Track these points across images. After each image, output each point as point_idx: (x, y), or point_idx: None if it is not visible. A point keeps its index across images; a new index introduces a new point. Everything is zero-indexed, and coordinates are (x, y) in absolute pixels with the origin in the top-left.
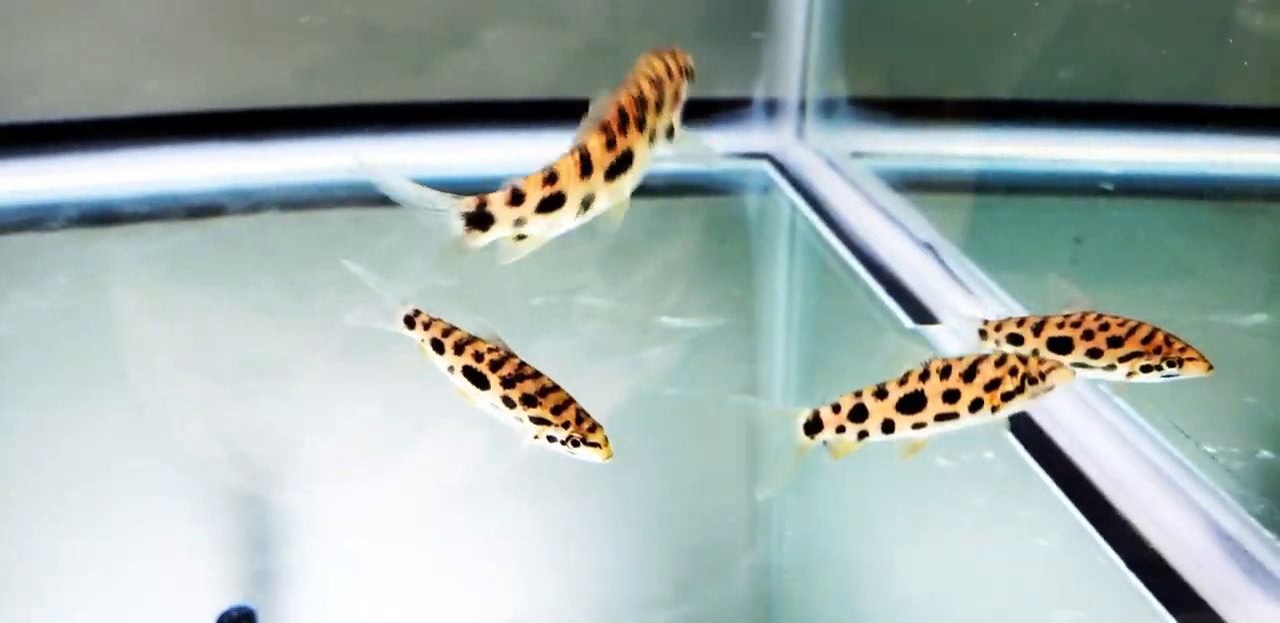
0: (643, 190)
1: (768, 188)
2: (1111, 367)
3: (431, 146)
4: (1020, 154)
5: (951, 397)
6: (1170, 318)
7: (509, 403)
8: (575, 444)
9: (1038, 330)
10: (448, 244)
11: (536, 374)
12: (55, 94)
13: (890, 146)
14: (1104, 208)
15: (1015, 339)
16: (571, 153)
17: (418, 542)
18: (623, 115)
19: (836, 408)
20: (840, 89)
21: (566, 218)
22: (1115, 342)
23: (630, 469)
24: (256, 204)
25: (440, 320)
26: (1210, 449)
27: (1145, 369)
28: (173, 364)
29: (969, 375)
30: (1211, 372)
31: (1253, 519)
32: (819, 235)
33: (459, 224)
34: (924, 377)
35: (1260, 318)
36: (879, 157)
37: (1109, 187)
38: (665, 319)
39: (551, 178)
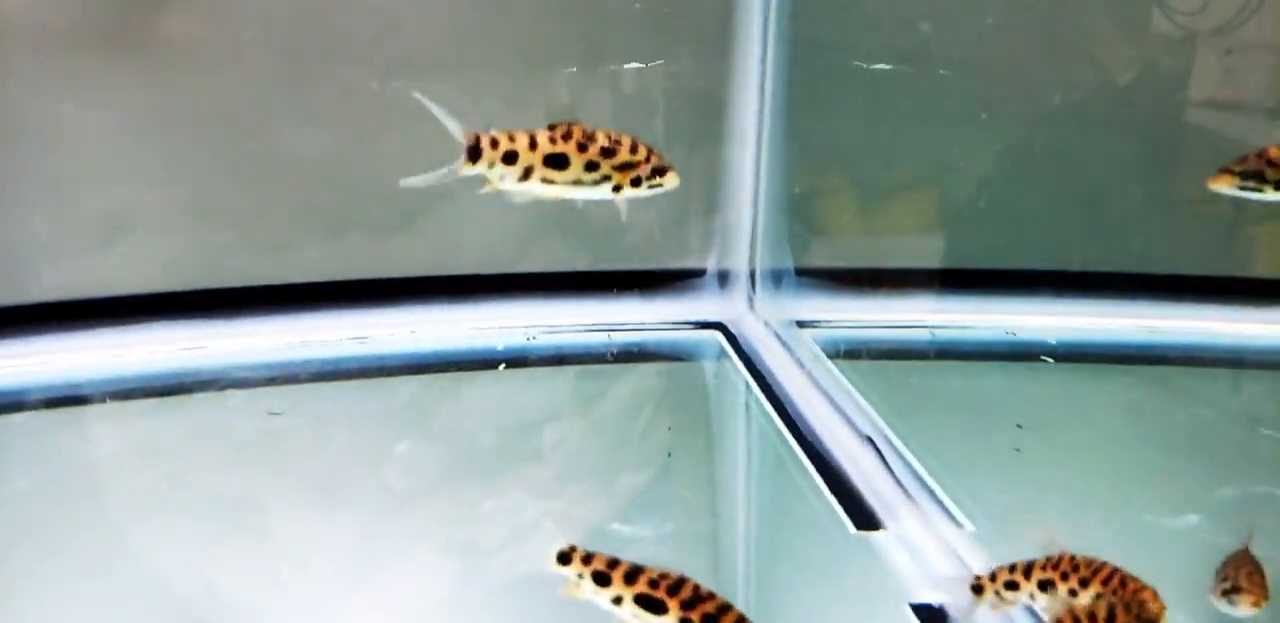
0: (593, 358)
1: (719, 356)
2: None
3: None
4: (962, 322)
5: None
6: (1107, 517)
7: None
8: None
9: (1028, 574)
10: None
11: (712, 595)
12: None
13: (833, 315)
14: (1045, 380)
15: (1011, 585)
16: (545, 129)
17: None
18: (608, 138)
19: None
20: (786, 260)
21: (528, 183)
22: (1083, 583)
23: None
24: (223, 383)
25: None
26: None
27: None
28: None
29: None
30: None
31: None
32: (767, 415)
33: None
34: None
35: (1193, 519)
36: (823, 325)
37: (1049, 359)
38: (616, 526)
39: (512, 137)
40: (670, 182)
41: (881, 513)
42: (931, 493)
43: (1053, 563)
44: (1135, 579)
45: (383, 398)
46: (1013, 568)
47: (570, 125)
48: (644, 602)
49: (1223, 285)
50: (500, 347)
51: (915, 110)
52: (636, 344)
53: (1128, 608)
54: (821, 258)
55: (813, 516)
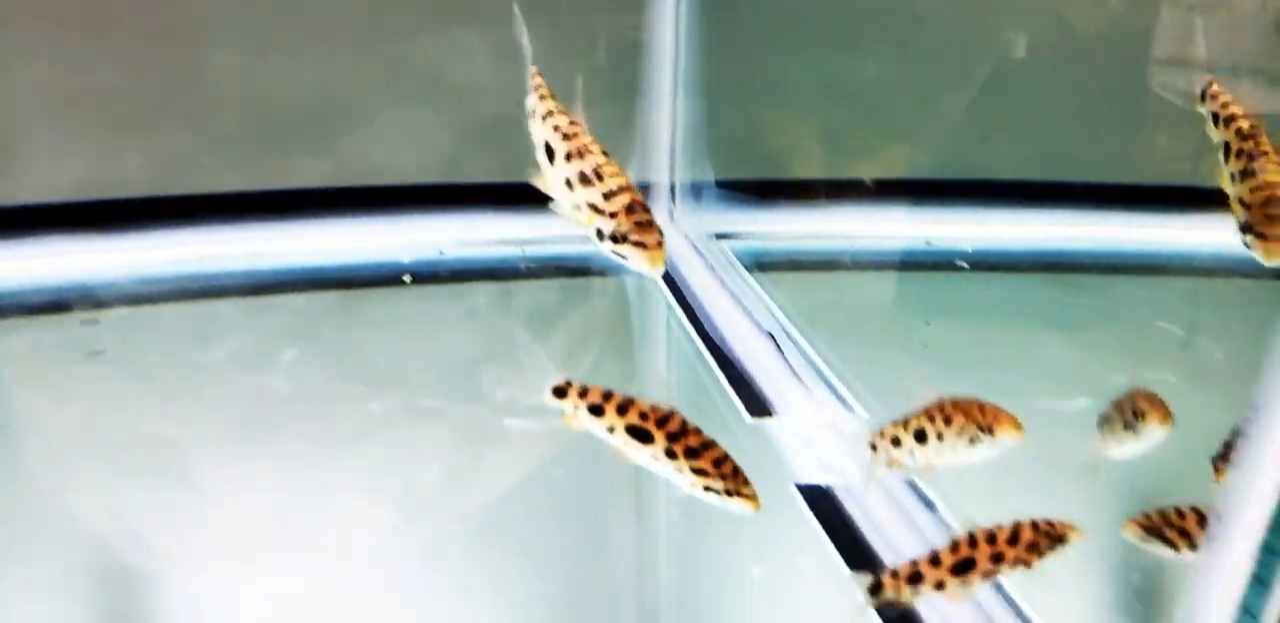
0: (507, 273)
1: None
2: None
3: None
4: (878, 232)
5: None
6: (998, 402)
7: (671, 455)
8: (729, 495)
9: (906, 425)
10: None
11: (697, 431)
12: None
13: (751, 228)
14: (960, 285)
15: (895, 441)
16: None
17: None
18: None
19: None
20: (707, 172)
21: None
22: (947, 421)
23: (528, 543)
24: (102, 301)
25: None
26: None
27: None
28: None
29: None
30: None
31: None
32: (680, 323)
33: None
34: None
35: (1083, 402)
36: (741, 238)
37: (964, 264)
38: (508, 422)
39: (608, 396)
40: (737, 507)
41: (776, 402)
42: (827, 383)
43: (928, 413)
44: (995, 408)
45: (275, 314)
46: (895, 423)
47: (673, 413)
48: (634, 432)
49: (1133, 194)
50: (407, 261)
51: (836, 29)
52: (554, 258)
53: (1035, 527)
54: (742, 170)
55: (714, 407)
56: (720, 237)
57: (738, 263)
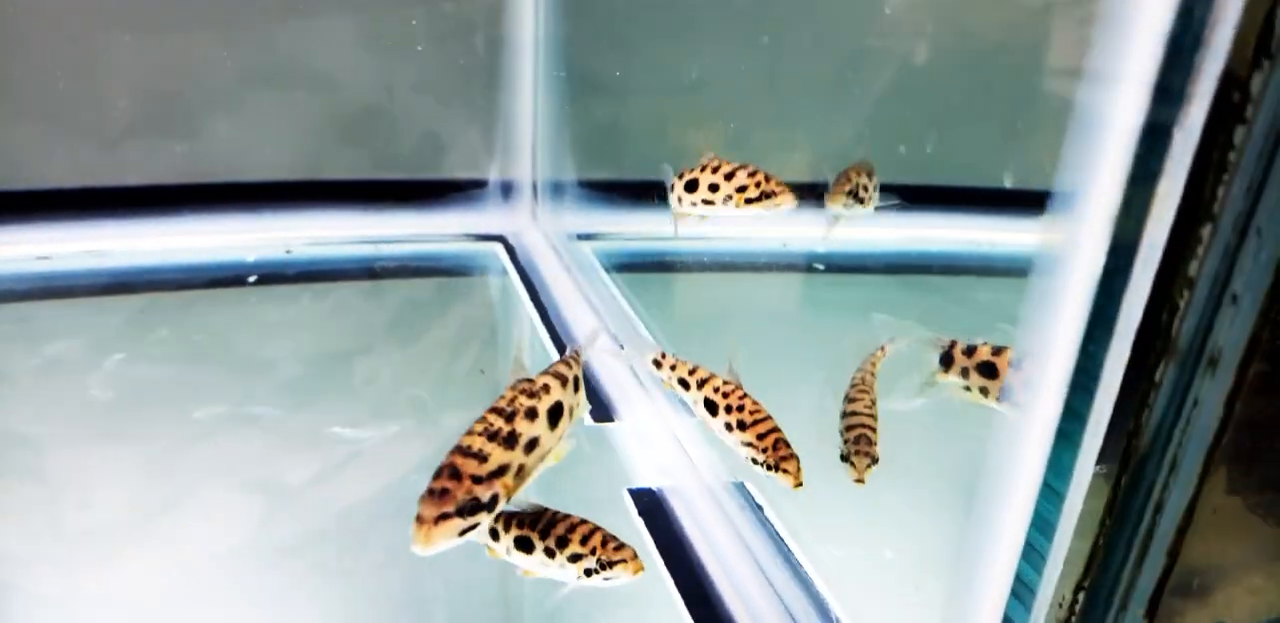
0: (358, 273)
1: (501, 271)
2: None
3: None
4: (739, 234)
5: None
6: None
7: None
8: (770, 468)
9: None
10: None
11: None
12: None
13: (612, 228)
14: (815, 286)
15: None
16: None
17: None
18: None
19: None
20: (569, 172)
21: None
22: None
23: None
24: None
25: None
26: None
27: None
28: None
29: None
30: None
31: None
32: (533, 324)
33: None
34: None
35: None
36: (604, 238)
37: (820, 266)
38: (337, 429)
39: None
40: (620, 576)
41: (619, 406)
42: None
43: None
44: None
45: (113, 315)
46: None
47: (553, 514)
48: (708, 405)
49: (982, 197)
50: (251, 259)
51: (701, 24)
52: (412, 257)
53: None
54: (604, 170)
55: None
56: (581, 237)
57: (597, 263)
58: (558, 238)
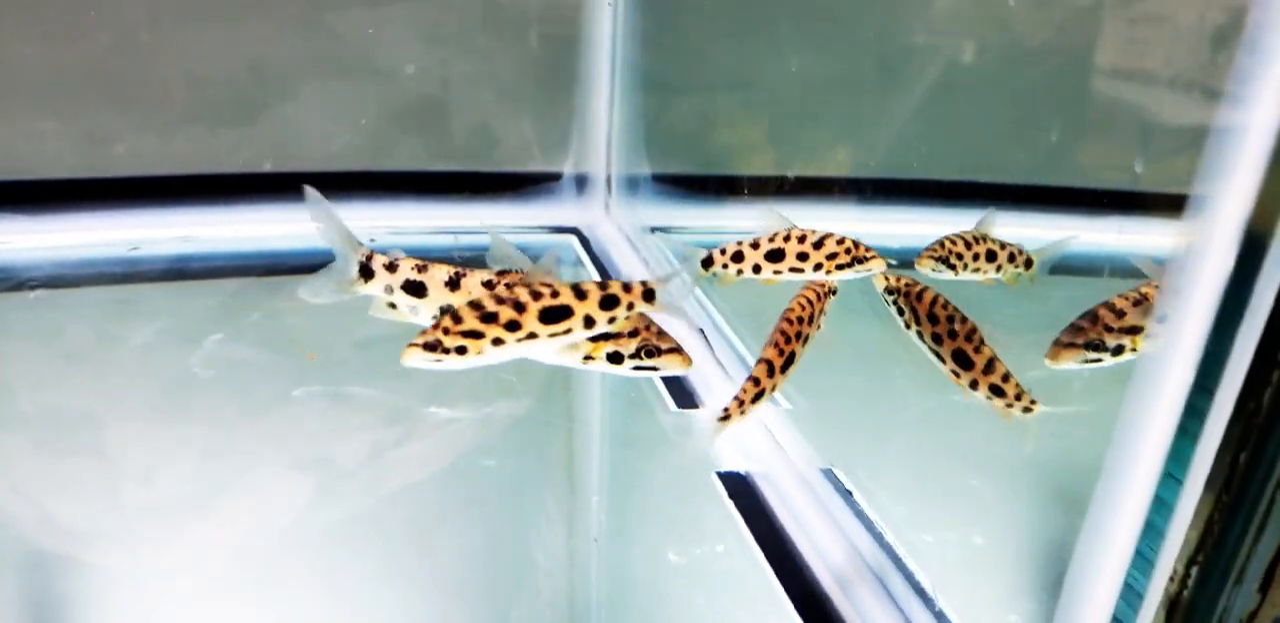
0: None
1: (575, 261)
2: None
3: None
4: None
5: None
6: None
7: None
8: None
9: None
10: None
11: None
12: None
13: (687, 221)
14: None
15: (738, 257)
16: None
17: (243, 597)
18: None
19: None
20: (643, 166)
21: (423, 310)
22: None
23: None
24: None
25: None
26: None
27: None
28: None
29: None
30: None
31: None
32: None
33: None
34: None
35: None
36: (676, 231)
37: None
38: (433, 409)
39: (423, 267)
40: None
41: (702, 393)
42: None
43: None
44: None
45: (207, 298)
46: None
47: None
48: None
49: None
50: None
51: (770, 30)
52: (487, 247)
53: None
54: (678, 165)
55: (643, 398)
56: (655, 230)
57: (671, 256)
58: (631, 230)
